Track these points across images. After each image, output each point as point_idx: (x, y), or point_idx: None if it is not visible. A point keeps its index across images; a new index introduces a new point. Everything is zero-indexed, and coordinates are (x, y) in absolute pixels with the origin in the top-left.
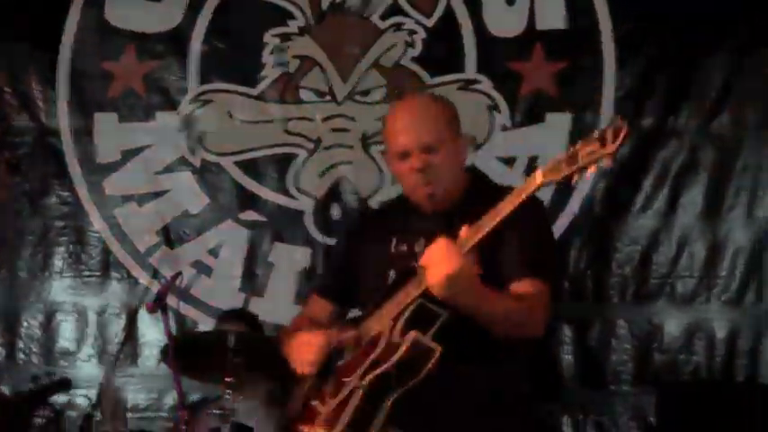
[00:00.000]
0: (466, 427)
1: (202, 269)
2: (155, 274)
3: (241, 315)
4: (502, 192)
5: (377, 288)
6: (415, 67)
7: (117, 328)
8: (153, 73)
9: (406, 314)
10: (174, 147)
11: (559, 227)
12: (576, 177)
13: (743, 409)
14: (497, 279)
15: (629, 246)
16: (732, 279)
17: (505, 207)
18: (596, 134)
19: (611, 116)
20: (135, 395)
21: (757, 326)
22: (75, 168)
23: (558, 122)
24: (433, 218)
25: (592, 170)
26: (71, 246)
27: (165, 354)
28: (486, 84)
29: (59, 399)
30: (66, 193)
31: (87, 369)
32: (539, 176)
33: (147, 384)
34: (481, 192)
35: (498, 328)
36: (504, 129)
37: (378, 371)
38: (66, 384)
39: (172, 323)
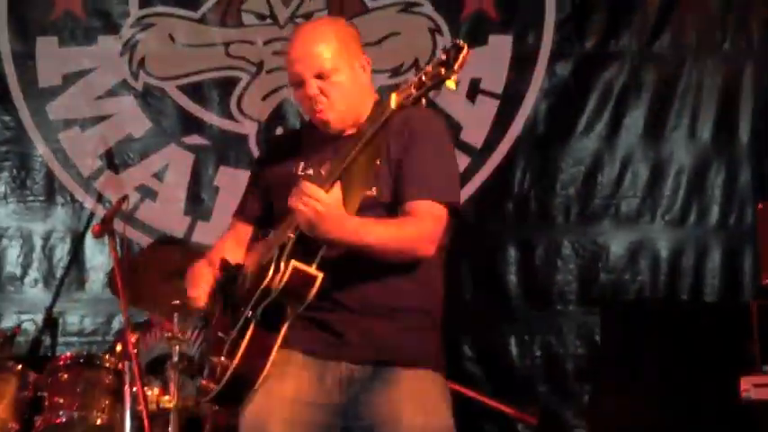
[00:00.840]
0: (364, 339)
1: (147, 193)
2: (100, 199)
3: (168, 241)
4: (402, 117)
5: (284, 210)
6: None
7: (63, 252)
8: None
9: (290, 243)
10: (116, 71)
11: (503, 148)
12: (424, 99)
13: (687, 327)
14: (394, 203)
15: (572, 167)
16: (675, 199)
17: (368, 132)
18: (440, 56)
19: (552, 38)
20: (82, 320)
21: (700, 244)
22: (17, 93)
23: (500, 45)
24: (339, 142)
25: (437, 92)
26: (15, 170)
27: (112, 278)
28: (427, 6)
29: (6, 324)
30: (8, 118)
31: (34, 294)
32: (393, 101)
33: (93, 309)
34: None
35: (378, 255)
36: None
37: (267, 301)
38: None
39: (118, 247)
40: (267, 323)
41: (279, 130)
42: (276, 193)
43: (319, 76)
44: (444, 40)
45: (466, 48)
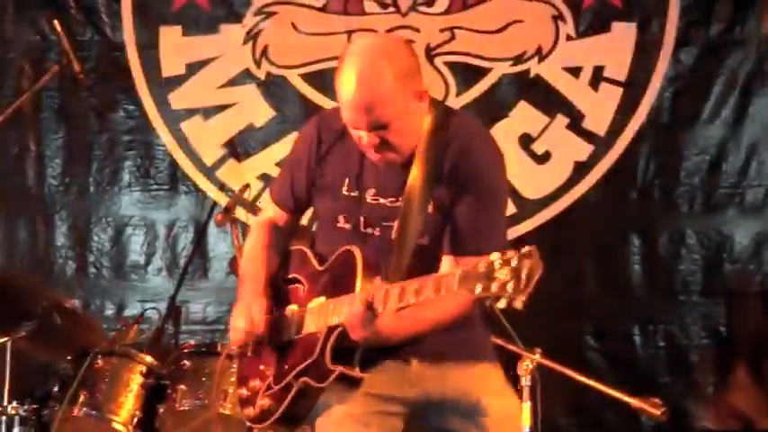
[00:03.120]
0: (428, 339)
1: (269, 182)
2: (222, 187)
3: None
4: (459, 132)
5: (328, 225)
6: None
7: (186, 241)
8: None
9: (337, 332)
10: (239, 60)
11: (626, 136)
12: (488, 303)
13: None
14: (451, 239)
15: (697, 155)
16: None
17: (422, 290)
18: (514, 263)
19: (676, 25)
20: (205, 308)
21: None
22: (140, 82)
23: (624, 32)
24: (385, 169)
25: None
26: (138, 160)
27: (234, 265)
28: None
29: (130, 312)
30: (132, 107)
31: (157, 282)
32: (454, 283)
33: (217, 297)
34: (438, 134)
35: (437, 330)
36: (569, 38)
37: (311, 382)
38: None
39: (240, 236)
40: (306, 391)
41: None
42: (320, 200)
43: (377, 128)
44: (567, 27)
45: (540, 268)
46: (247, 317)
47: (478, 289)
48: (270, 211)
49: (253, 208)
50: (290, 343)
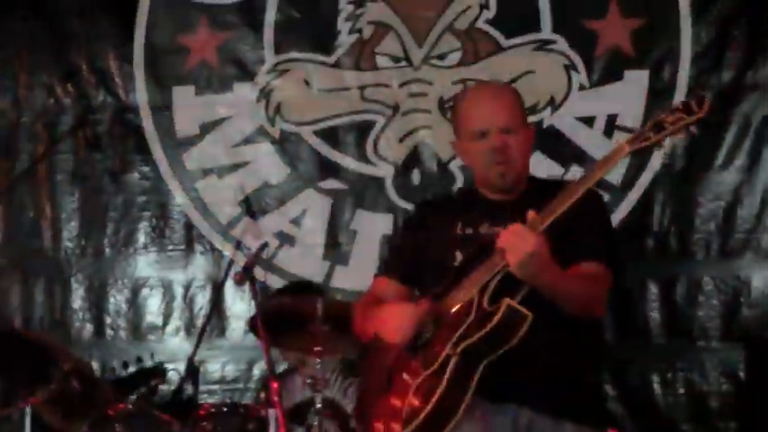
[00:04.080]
0: (544, 390)
1: (286, 239)
2: (238, 246)
3: (304, 286)
4: (559, 185)
5: (444, 268)
6: (490, 29)
7: (203, 300)
8: (227, 44)
9: (491, 286)
10: (253, 118)
11: (642, 184)
12: (663, 144)
13: None
14: (561, 262)
15: (712, 201)
16: None
17: (579, 187)
18: (679, 104)
19: (688, 71)
20: (223, 367)
21: None
22: (155, 143)
23: (636, 79)
24: (497, 204)
25: (681, 136)
26: (154, 220)
27: (253, 324)
28: (562, 43)
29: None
30: (146, 169)
31: (175, 343)
32: (625, 147)
33: (235, 356)
34: (541, 185)
35: (567, 305)
36: (582, 88)
37: (473, 339)
38: (160, 372)
39: (259, 295)
40: (466, 364)
41: (415, 173)
42: (434, 252)
43: (505, 131)
44: (580, 77)
45: (708, 95)
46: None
47: (651, 134)
48: (380, 281)
49: (270, 266)
50: (436, 333)
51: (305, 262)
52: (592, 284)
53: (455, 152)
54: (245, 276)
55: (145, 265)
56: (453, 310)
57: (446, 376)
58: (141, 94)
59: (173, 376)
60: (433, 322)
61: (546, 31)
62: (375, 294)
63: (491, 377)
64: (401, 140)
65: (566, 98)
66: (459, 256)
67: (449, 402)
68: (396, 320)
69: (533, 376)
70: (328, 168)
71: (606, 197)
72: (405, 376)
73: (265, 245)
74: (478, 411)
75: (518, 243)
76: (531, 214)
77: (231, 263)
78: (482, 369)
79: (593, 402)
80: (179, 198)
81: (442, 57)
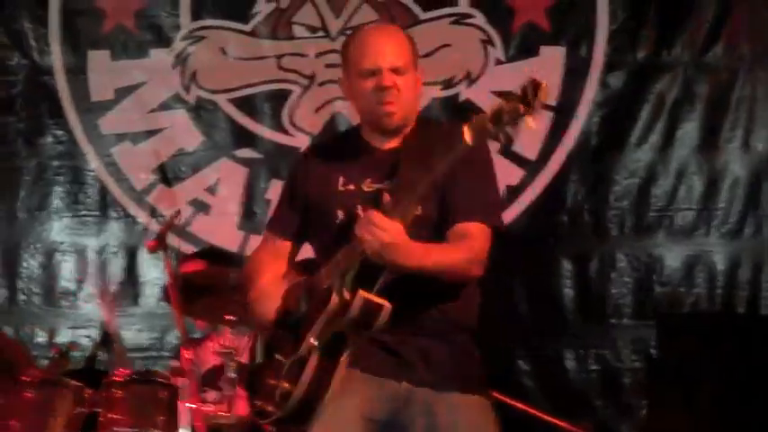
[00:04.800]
0: (423, 361)
1: (200, 207)
2: (153, 213)
3: (209, 253)
4: (447, 130)
5: (325, 227)
6: (408, 2)
7: (116, 267)
8: (144, 9)
9: (353, 269)
10: (168, 84)
11: (556, 160)
12: (502, 138)
13: (743, 341)
14: (438, 221)
15: (626, 179)
16: (730, 211)
17: (438, 167)
18: (517, 91)
19: (604, 49)
20: (137, 335)
21: (757, 257)
22: (69, 107)
23: (552, 56)
24: (380, 156)
25: (516, 129)
26: (68, 185)
27: (166, 292)
28: (479, 18)
29: (61, 339)
30: (60, 132)
31: (88, 309)
32: (467, 135)
33: (148, 323)
34: (428, 130)
35: (439, 277)
36: (499, 63)
37: (331, 329)
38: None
39: (173, 262)
40: (329, 350)
41: None
42: (316, 207)
43: (395, 71)
44: (496, 51)
45: (544, 84)
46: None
47: (489, 126)
48: (266, 240)
49: (184, 233)
50: (304, 315)
51: (220, 230)
52: (467, 249)
53: (342, 91)
54: (159, 244)
55: (58, 230)
56: (319, 290)
57: (310, 363)
58: (56, 57)
59: (85, 342)
60: (306, 297)
61: (463, 5)
62: (265, 251)
63: (369, 352)
64: (317, 111)
65: (482, 72)
66: (340, 214)
67: (315, 387)
68: (262, 306)
69: (410, 350)
70: (244, 137)
71: (521, 173)
72: (278, 356)
73: (178, 212)
74: (356, 385)
75: (375, 232)
76: (385, 197)
77: (145, 230)
78: (353, 347)
79: (473, 368)
80: (93, 163)
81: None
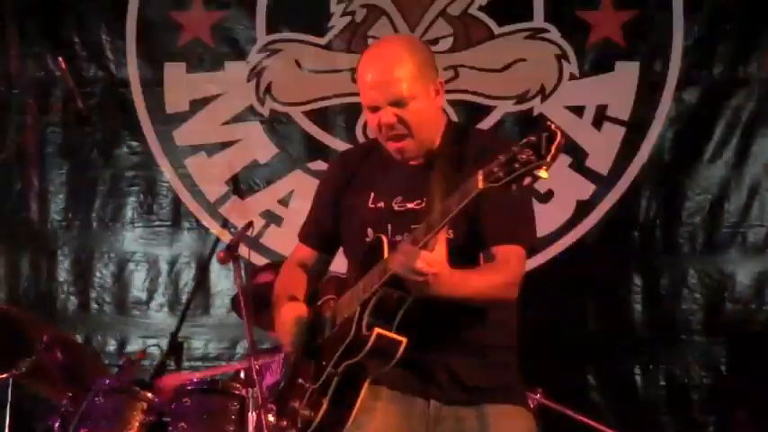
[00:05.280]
0: (451, 378)
1: (273, 219)
2: (225, 224)
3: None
4: (477, 137)
5: (356, 243)
6: (483, 16)
7: (188, 277)
8: (221, 23)
9: (373, 300)
10: (243, 97)
11: (629, 176)
12: (515, 187)
13: None
14: (479, 243)
15: (699, 195)
16: None
17: (452, 206)
18: (531, 140)
19: (679, 65)
20: (206, 344)
21: None
22: (144, 119)
23: (627, 71)
24: (409, 171)
25: (528, 181)
26: (142, 196)
27: (236, 303)
28: (554, 33)
29: (131, 348)
30: (135, 144)
31: (159, 318)
32: (480, 182)
33: (218, 334)
34: (460, 142)
35: (476, 302)
36: (573, 78)
37: (350, 361)
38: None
39: (243, 273)
40: (350, 379)
41: None
42: (346, 223)
43: (396, 104)
44: (570, 66)
45: (559, 134)
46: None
47: (502, 174)
48: (297, 249)
49: (256, 245)
50: (326, 342)
51: (291, 242)
52: (504, 273)
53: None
54: (230, 255)
55: (131, 240)
56: (341, 319)
57: (329, 395)
58: (132, 69)
59: (155, 352)
60: (330, 321)
61: (538, 20)
62: (294, 260)
63: (396, 370)
64: None
65: (556, 87)
66: (370, 233)
67: (334, 417)
68: (284, 329)
69: (438, 369)
70: (317, 149)
71: (593, 187)
72: (300, 381)
73: (251, 224)
74: (384, 403)
75: (421, 270)
76: (419, 228)
77: (217, 241)
78: (373, 375)
79: (507, 379)
80: (167, 174)
81: (433, 42)
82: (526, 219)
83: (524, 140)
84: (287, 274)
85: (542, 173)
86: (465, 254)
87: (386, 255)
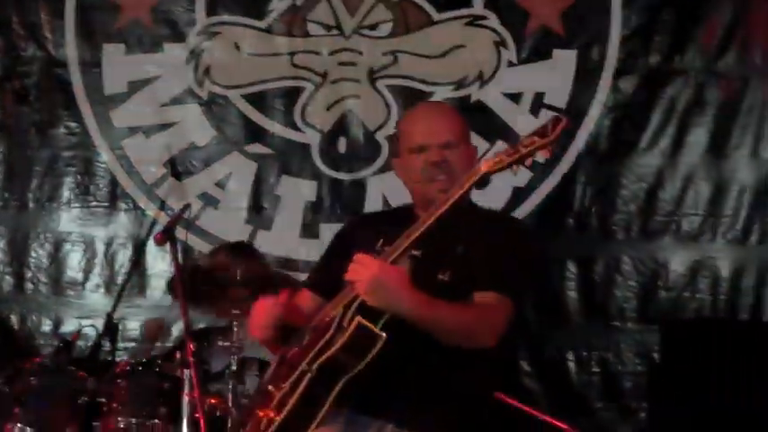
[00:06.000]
0: (411, 412)
1: (210, 201)
2: (162, 206)
3: (240, 246)
4: (483, 215)
5: None
6: (423, 2)
7: (124, 258)
8: (161, 4)
9: (357, 303)
10: (182, 79)
11: (565, 163)
12: (515, 167)
13: (746, 347)
14: (465, 291)
15: (634, 183)
16: (737, 218)
17: (444, 205)
18: (539, 127)
19: (616, 53)
20: (142, 326)
21: (762, 264)
22: (82, 99)
23: (565, 59)
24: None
25: (528, 162)
26: (79, 176)
27: (173, 286)
28: (493, 19)
29: (66, 329)
30: (73, 124)
31: (95, 299)
32: (483, 165)
33: (154, 315)
34: (467, 212)
35: (444, 336)
36: (511, 65)
37: (326, 355)
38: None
39: (179, 255)
40: (322, 379)
41: (342, 141)
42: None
43: (445, 146)
44: (509, 53)
45: (565, 120)
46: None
47: (506, 157)
48: (299, 297)
49: (192, 227)
50: (302, 347)
51: (228, 225)
52: (478, 314)
53: (394, 170)
54: (167, 236)
55: (67, 220)
56: (322, 323)
57: (298, 391)
58: (71, 50)
59: (90, 332)
60: (309, 330)
61: (478, 7)
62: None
63: (358, 390)
64: (329, 108)
65: (494, 74)
66: None
67: (300, 417)
68: (257, 317)
69: (400, 393)
70: (255, 133)
71: (529, 174)
72: (270, 387)
73: (188, 206)
74: (342, 423)
75: (361, 271)
76: (380, 244)
77: (154, 222)
78: (343, 384)
79: (467, 418)
80: (105, 155)
81: (373, 27)
82: (517, 266)
83: (533, 131)
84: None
85: (544, 151)
86: (459, 297)
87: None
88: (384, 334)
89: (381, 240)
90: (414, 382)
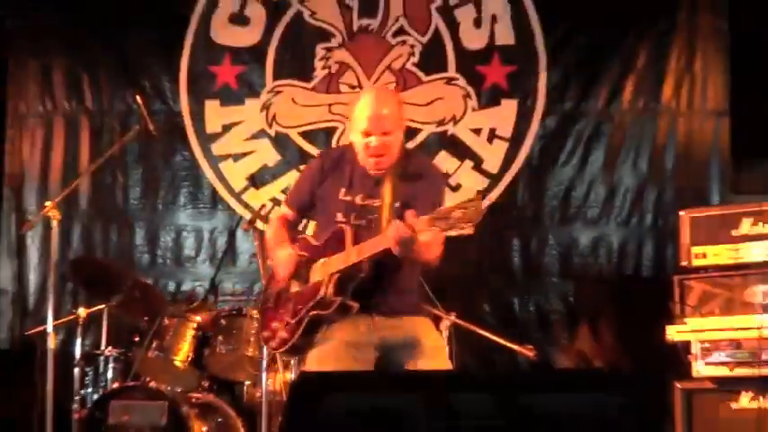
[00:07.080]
0: (385, 301)
1: (277, 203)
2: (246, 206)
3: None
4: (417, 160)
5: (326, 219)
6: (415, 69)
7: (222, 241)
8: (243, 73)
9: (339, 273)
10: (257, 122)
11: (510, 174)
12: (446, 232)
13: (630, 293)
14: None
15: (556, 186)
16: (623, 208)
17: (379, 244)
18: (464, 204)
19: (544, 101)
20: (234, 285)
21: (639, 239)
22: (192, 137)
23: (509, 106)
24: (369, 178)
25: (454, 233)
26: (191, 188)
27: (255, 256)
28: (462, 80)
29: (185, 288)
30: (186, 153)
31: (203, 269)
32: (424, 222)
33: (242, 278)
34: (407, 162)
35: (424, 262)
36: (474, 110)
37: (320, 312)
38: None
39: (259, 237)
40: (312, 323)
41: None
42: (321, 204)
43: (385, 134)
44: (472, 102)
45: (484, 207)
46: (284, 261)
47: (441, 225)
48: (283, 209)
49: (266, 219)
50: (301, 292)
51: None
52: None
53: (346, 129)
54: (250, 226)
55: (184, 217)
56: (309, 284)
57: (300, 330)
58: (184, 104)
59: (200, 291)
60: (304, 277)
61: (451, 72)
62: (279, 217)
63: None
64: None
65: (463, 116)
66: (339, 216)
67: (305, 341)
68: (280, 264)
69: (383, 297)
70: (306, 157)
71: (487, 182)
72: (281, 310)
73: (263, 206)
74: (339, 323)
75: (401, 234)
76: (407, 217)
77: (240, 217)
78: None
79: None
80: (207, 174)
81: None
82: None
83: (460, 204)
84: (277, 227)
85: (467, 230)
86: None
87: (348, 240)
88: (357, 304)
89: (343, 190)
90: (386, 290)
